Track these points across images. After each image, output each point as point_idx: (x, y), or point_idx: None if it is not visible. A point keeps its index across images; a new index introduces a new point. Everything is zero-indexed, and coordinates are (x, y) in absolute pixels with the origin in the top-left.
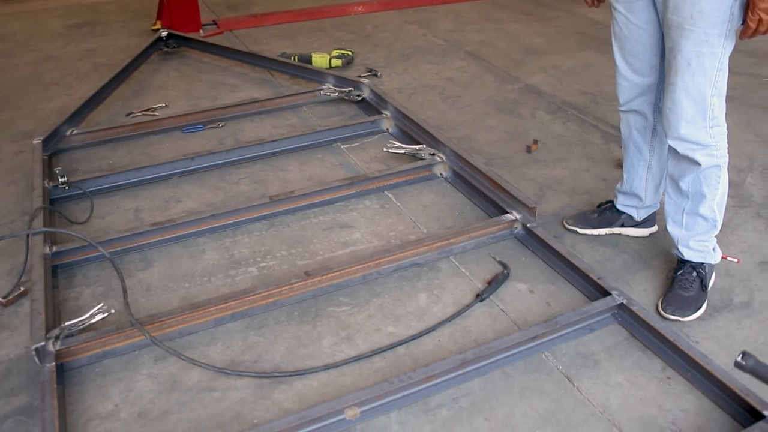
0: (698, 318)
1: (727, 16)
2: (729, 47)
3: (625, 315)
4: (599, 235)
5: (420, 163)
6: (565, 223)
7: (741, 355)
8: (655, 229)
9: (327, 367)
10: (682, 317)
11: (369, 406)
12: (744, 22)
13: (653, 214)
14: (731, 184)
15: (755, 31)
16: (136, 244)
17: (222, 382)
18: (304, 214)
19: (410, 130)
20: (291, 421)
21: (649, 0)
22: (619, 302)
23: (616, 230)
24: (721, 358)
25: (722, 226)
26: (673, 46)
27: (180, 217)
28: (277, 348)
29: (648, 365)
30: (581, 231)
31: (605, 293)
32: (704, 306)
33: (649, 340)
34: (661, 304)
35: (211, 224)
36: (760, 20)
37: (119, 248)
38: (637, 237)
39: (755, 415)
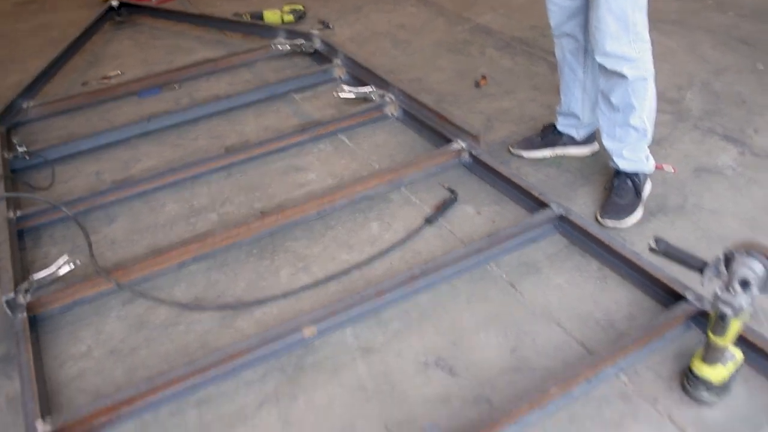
0: (635, 223)
1: None
2: None
3: (565, 225)
4: (544, 157)
5: (371, 105)
6: (510, 149)
7: (654, 241)
8: (596, 147)
9: (285, 295)
10: (618, 222)
11: (325, 324)
12: None
13: (593, 134)
14: (671, 101)
15: None
16: (98, 203)
17: (187, 318)
18: (260, 161)
19: (361, 75)
20: (252, 342)
21: None
22: (558, 213)
23: (559, 151)
24: (652, 256)
25: (662, 139)
26: None
27: (140, 174)
28: (238, 283)
29: (586, 267)
30: (526, 155)
31: (547, 207)
32: (639, 211)
33: (587, 245)
34: (599, 213)
35: (170, 178)
36: None
37: (82, 208)
38: (579, 156)
39: (678, 298)
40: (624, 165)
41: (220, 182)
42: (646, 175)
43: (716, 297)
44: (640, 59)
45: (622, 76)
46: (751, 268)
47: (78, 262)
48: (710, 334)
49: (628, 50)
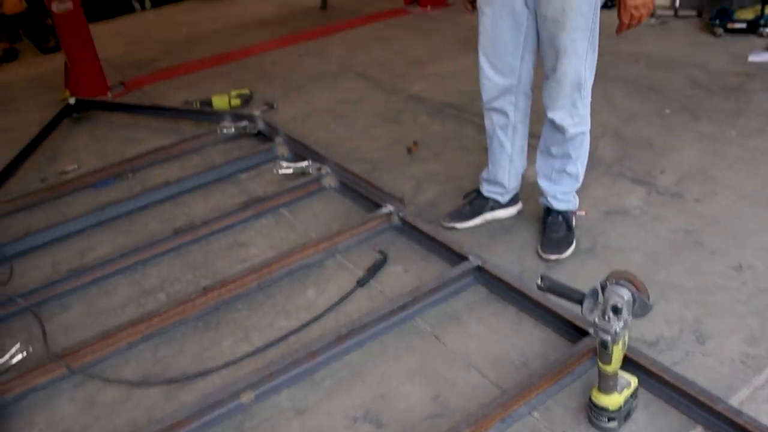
0: (568, 256)
1: (593, 8)
2: (596, 32)
3: (483, 275)
4: (475, 225)
5: (309, 178)
6: (442, 223)
7: (540, 279)
8: (520, 206)
9: (226, 365)
10: (560, 255)
11: (262, 389)
12: (619, 18)
13: (516, 194)
14: None
15: (628, 26)
16: (53, 293)
17: (135, 394)
18: (206, 240)
19: (300, 151)
20: (190, 409)
21: (515, 5)
22: (475, 265)
23: (488, 216)
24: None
25: None
26: (550, 36)
27: (93, 262)
28: (184, 356)
29: (503, 313)
30: (459, 226)
31: (465, 260)
32: (574, 243)
33: (504, 293)
34: (540, 249)
35: (121, 264)
36: (632, 16)
37: (38, 299)
38: (507, 217)
39: (584, 334)
40: (557, 205)
41: (169, 263)
42: (573, 211)
43: (595, 326)
44: (585, 114)
45: (566, 130)
46: (619, 295)
47: (30, 349)
48: (599, 364)
49: (579, 108)
